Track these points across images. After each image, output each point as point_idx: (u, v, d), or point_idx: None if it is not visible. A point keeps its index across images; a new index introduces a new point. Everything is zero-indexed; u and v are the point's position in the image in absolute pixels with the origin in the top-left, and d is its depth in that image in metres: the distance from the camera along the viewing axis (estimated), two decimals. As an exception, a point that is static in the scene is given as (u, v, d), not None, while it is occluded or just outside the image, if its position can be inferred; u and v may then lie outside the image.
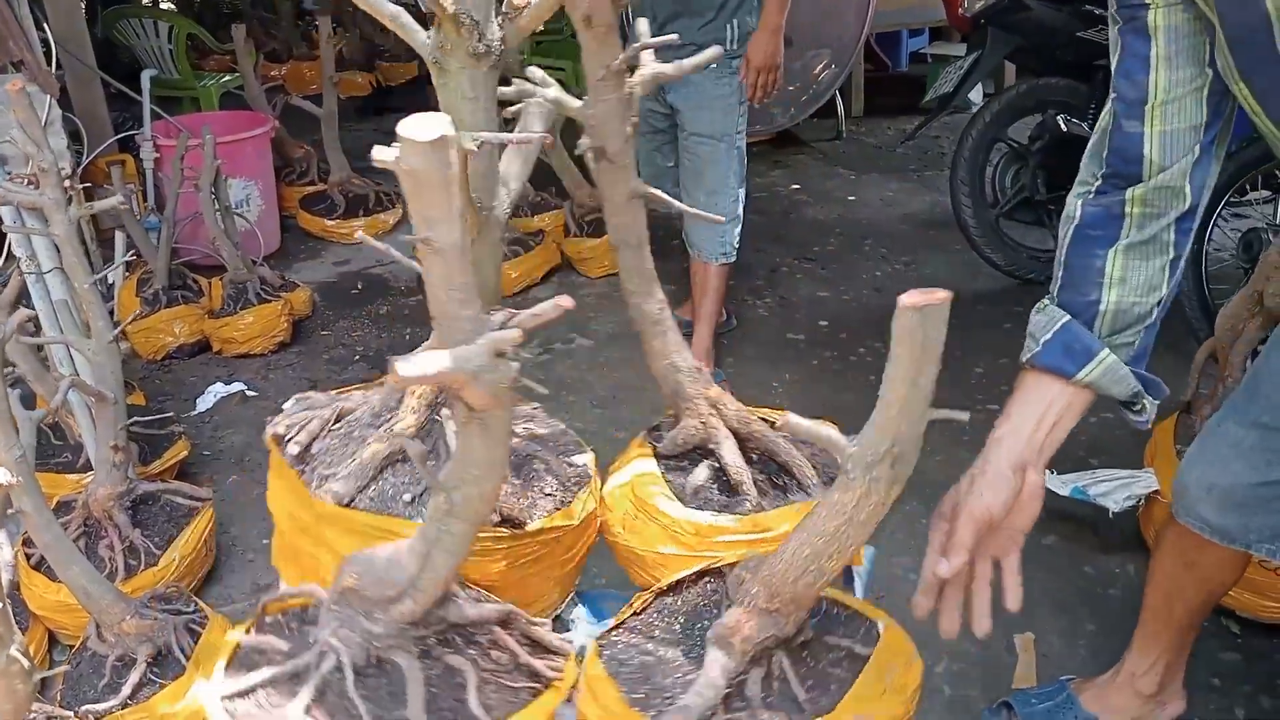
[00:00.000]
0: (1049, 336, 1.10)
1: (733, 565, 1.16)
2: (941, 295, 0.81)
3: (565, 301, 0.91)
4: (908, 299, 0.81)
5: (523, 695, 1.10)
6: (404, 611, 1.05)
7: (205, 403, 3.07)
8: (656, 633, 1.15)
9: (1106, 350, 1.08)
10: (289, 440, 1.41)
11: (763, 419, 1.53)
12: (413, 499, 1.29)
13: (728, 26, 2.82)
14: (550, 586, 1.39)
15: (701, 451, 1.49)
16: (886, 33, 6.12)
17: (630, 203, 1.31)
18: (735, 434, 1.48)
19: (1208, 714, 1.82)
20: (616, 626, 1.17)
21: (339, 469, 1.35)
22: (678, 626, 1.16)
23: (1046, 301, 1.14)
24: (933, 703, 1.90)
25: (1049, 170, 3.51)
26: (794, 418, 0.97)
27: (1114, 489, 2.13)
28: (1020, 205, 3.61)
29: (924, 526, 2.33)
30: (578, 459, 1.47)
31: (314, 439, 1.43)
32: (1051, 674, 1.92)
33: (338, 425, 1.46)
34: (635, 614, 1.19)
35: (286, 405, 1.52)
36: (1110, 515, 2.13)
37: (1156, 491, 2.10)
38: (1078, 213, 1.14)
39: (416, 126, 0.76)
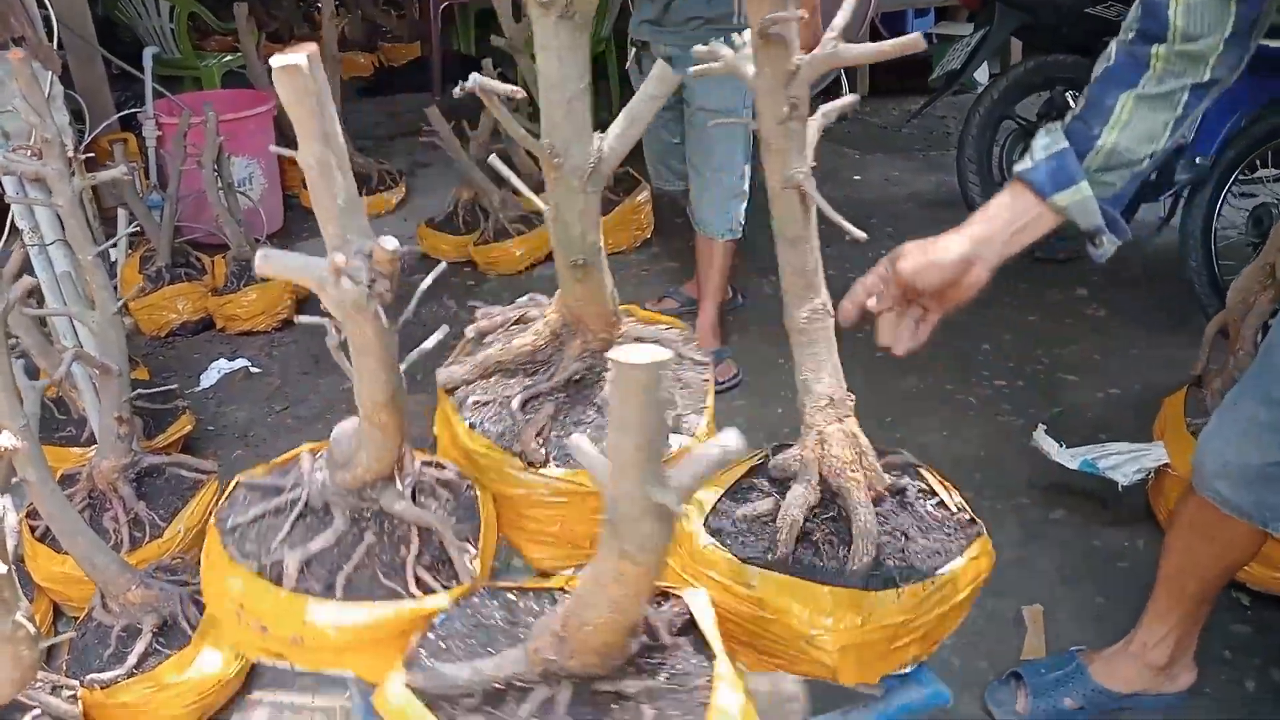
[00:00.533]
0: (1043, 157, 1.16)
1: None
2: (662, 356, 0.77)
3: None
4: (621, 355, 0.77)
5: (380, 590, 1.21)
6: (344, 479, 1.24)
7: (209, 379, 3.06)
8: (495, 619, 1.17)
9: (1086, 184, 1.14)
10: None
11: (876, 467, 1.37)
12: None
13: None
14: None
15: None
16: (892, 13, 6.07)
17: (785, 192, 1.22)
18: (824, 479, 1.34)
19: (1218, 685, 1.81)
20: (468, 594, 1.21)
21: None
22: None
23: (1058, 125, 1.18)
24: (941, 674, 1.87)
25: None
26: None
27: (1123, 462, 2.12)
28: (1027, 183, 3.59)
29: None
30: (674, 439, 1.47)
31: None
32: (1060, 646, 1.91)
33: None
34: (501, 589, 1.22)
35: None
36: (1119, 489, 2.12)
37: (1166, 465, 2.09)
38: (1112, 54, 1.18)
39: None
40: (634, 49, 3.06)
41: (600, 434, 1.42)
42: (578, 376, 1.50)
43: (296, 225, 4.29)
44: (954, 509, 1.34)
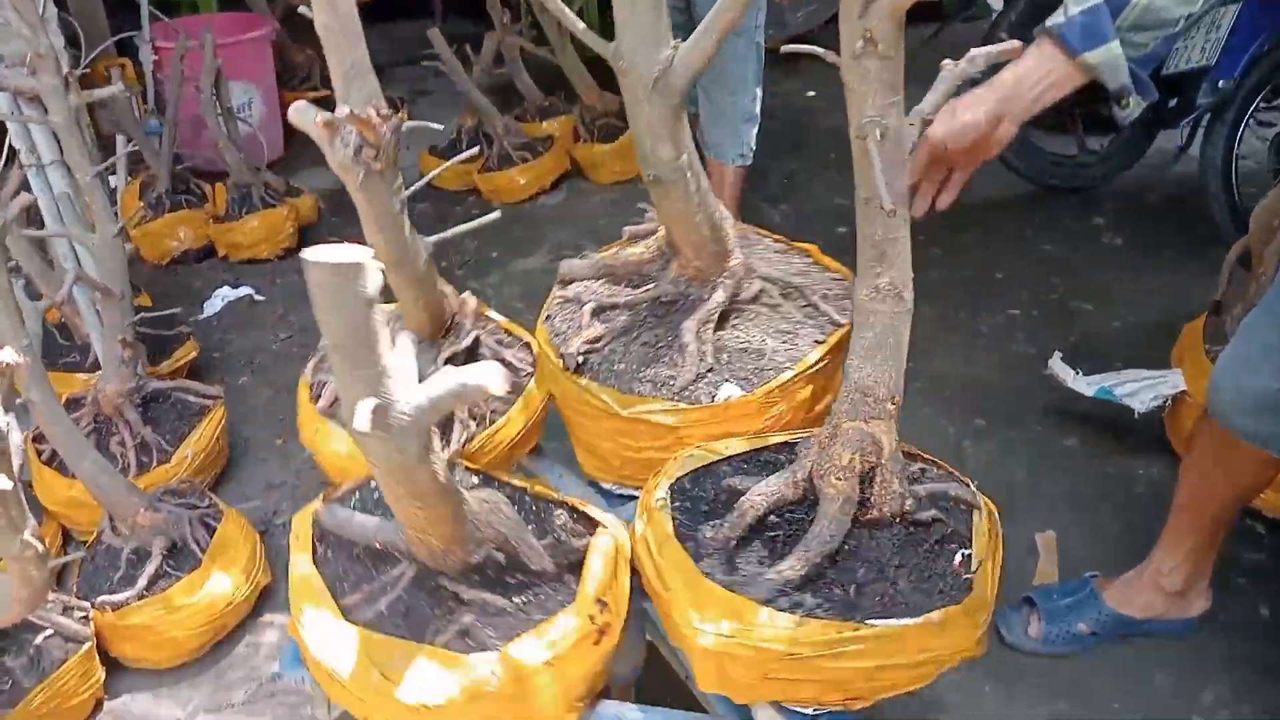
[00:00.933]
0: (1076, 12, 1.14)
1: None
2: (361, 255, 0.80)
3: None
4: (313, 254, 0.80)
5: None
6: None
7: (213, 306, 3.03)
8: None
9: (1117, 43, 1.13)
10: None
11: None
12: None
13: None
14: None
15: None
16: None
17: (855, 142, 1.10)
18: None
19: (1232, 612, 1.80)
20: None
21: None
22: None
23: None
24: (952, 600, 1.89)
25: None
26: None
27: (1140, 389, 2.09)
28: (1044, 111, 3.50)
29: (943, 427, 2.31)
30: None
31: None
32: (1072, 572, 1.90)
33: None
34: None
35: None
36: (1135, 416, 2.09)
37: (1183, 392, 2.06)
38: None
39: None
40: None
41: (661, 358, 1.40)
42: (669, 299, 1.47)
43: (298, 152, 4.21)
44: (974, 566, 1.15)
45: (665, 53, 1.24)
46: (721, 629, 1.08)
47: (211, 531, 1.86)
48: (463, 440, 1.44)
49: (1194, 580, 1.67)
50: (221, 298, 3.06)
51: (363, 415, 0.88)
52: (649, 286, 1.50)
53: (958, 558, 1.15)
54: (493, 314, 1.68)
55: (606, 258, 1.58)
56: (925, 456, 1.30)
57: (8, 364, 1.17)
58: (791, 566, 1.12)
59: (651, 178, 1.34)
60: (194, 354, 2.54)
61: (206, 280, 3.21)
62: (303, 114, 1.04)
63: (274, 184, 3.44)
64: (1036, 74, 1.17)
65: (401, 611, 1.15)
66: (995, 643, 1.80)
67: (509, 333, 1.66)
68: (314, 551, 1.23)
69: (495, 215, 1.42)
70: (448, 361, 1.50)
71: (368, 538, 1.21)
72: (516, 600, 1.16)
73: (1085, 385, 2.16)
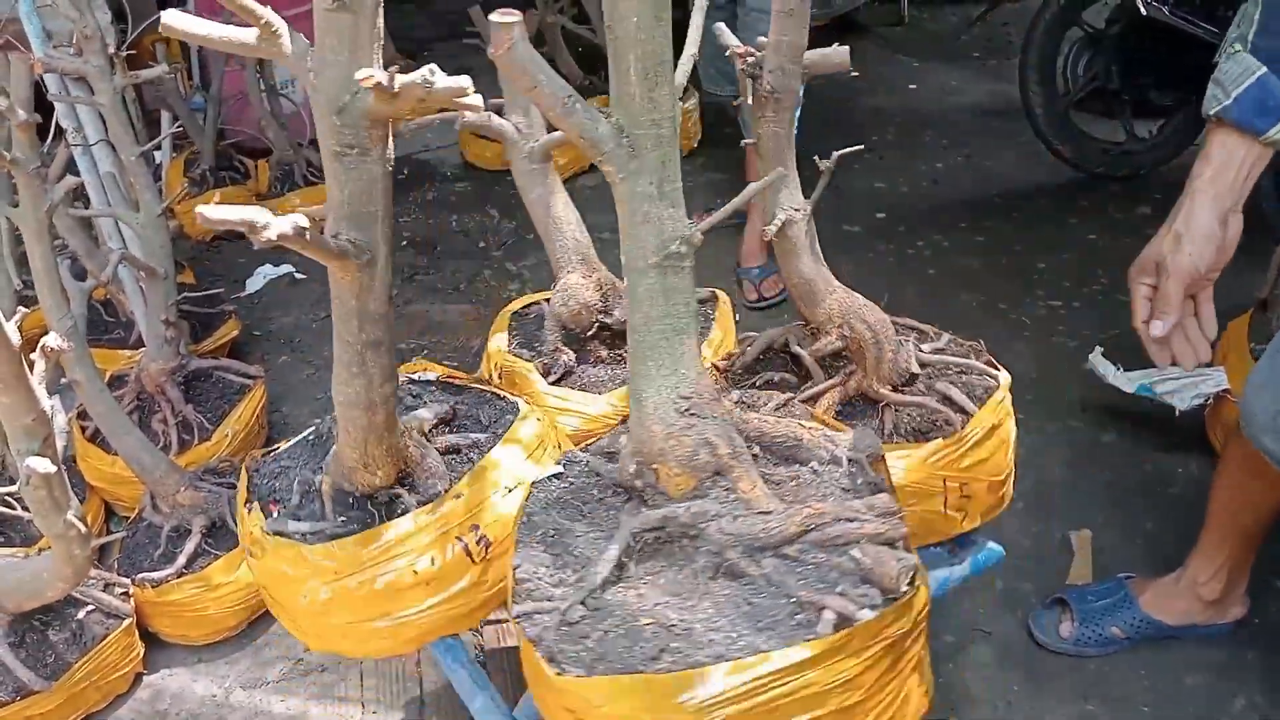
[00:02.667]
0: (1241, 90, 1.06)
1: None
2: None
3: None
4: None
5: None
6: None
7: (254, 284, 3.07)
8: None
9: None
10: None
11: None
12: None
13: None
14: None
15: None
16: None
17: None
18: None
19: (1267, 615, 1.78)
20: None
21: None
22: None
23: (1238, 47, 1.07)
24: (985, 596, 1.88)
25: (1126, 58, 3.31)
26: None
27: (1181, 387, 2.05)
28: (1092, 95, 3.42)
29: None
30: None
31: None
32: (1106, 571, 1.89)
33: None
34: None
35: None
36: (1176, 414, 2.06)
37: (1226, 390, 2.02)
38: None
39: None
40: None
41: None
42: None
43: (339, 129, 4.24)
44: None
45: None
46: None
47: (250, 511, 1.89)
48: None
49: (1231, 588, 1.65)
50: (263, 275, 3.10)
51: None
52: None
53: None
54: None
55: None
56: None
57: (53, 348, 1.20)
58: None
59: None
60: (235, 332, 2.57)
61: (249, 257, 3.24)
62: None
63: (315, 161, 3.47)
64: (1232, 166, 1.10)
65: None
66: (1025, 640, 1.79)
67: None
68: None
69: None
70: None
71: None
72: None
73: (1126, 381, 2.13)
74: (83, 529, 1.36)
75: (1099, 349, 2.22)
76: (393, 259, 1.07)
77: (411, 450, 1.19)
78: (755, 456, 1.06)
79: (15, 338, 1.11)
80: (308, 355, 2.73)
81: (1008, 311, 2.73)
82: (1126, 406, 2.23)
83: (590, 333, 1.65)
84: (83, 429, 2.10)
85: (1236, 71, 1.04)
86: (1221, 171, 1.09)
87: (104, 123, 2.07)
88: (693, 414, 1.00)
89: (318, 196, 3.27)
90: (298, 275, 3.13)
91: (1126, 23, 3.28)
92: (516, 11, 0.88)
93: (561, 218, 1.63)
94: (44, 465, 1.19)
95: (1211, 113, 1.08)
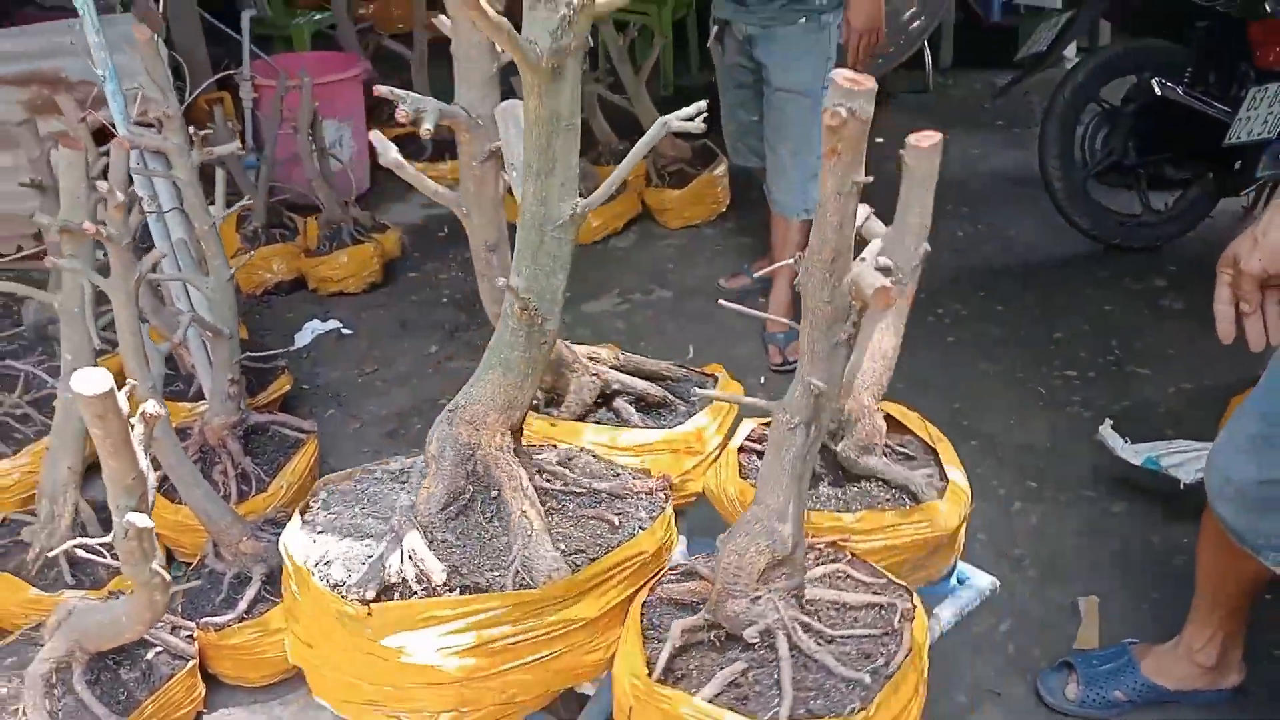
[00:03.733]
0: None
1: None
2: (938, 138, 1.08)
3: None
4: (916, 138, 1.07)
5: None
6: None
7: (303, 339, 3.22)
8: None
9: None
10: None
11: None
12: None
13: None
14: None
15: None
16: (980, -16, 5.98)
17: None
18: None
19: (1265, 683, 1.86)
20: None
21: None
22: None
23: None
24: (995, 658, 1.98)
25: (1141, 134, 3.44)
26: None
27: (1187, 460, 2.16)
28: (1110, 168, 3.54)
29: (995, 488, 2.39)
30: None
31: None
32: (1113, 637, 1.97)
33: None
34: None
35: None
36: (1181, 486, 2.16)
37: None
38: None
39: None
40: (715, 26, 3.10)
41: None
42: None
43: (383, 186, 4.42)
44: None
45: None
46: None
47: (304, 560, 2.02)
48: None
49: (1227, 654, 1.74)
50: (311, 330, 3.25)
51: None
52: None
53: None
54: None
55: None
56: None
57: (152, 415, 1.34)
58: None
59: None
60: (288, 387, 2.72)
61: (297, 312, 3.40)
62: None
63: (362, 220, 3.64)
64: None
65: None
66: (1034, 702, 1.88)
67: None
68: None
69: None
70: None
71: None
72: None
73: (1133, 454, 2.23)
74: (166, 577, 1.49)
75: (1109, 421, 2.33)
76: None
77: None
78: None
79: (125, 407, 1.25)
80: (354, 410, 2.88)
81: (1025, 381, 2.84)
82: (1136, 479, 2.33)
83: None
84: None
85: None
86: None
87: (177, 192, 2.24)
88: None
89: (364, 253, 3.46)
90: (344, 331, 3.28)
91: (1142, 101, 3.41)
92: None
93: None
94: (143, 520, 1.33)
95: None
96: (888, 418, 1.66)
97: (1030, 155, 4.15)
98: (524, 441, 1.52)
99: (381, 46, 4.70)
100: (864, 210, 1.20)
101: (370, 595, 1.28)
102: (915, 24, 4.81)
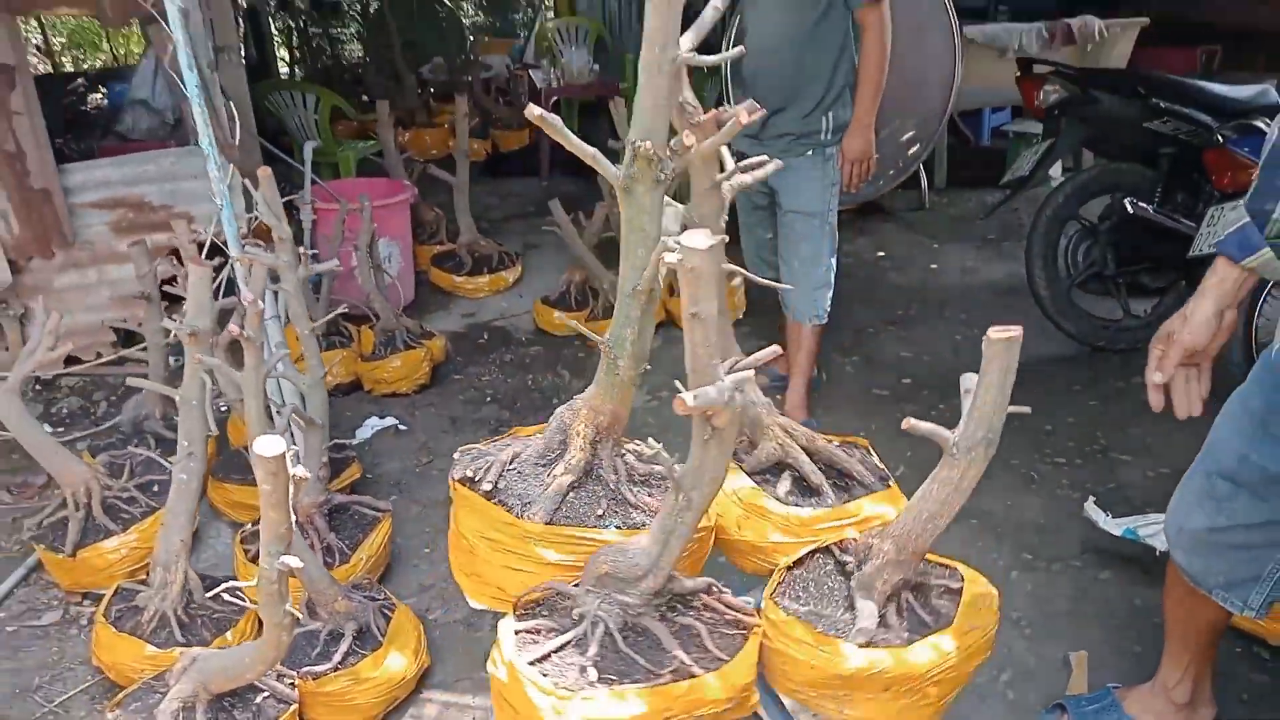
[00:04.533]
0: (1230, 231, 1.53)
1: (837, 543, 1.57)
2: (1017, 331, 1.26)
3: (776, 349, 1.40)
4: (994, 332, 1.26)
5: (736, 640, 1.47)
6: (648, 585, 1.43)
7: (364, 434, 3.54)
8: (800, 593, 1.54)
9: (1268, 249, 1.48)
10: (479, 481, 1.69)
11: (825, 438, 1.89)
12: (602, 513, 1.67)
13: (823, 118, 3.20)
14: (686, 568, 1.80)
15: (780, 466, 1.86)
16: (970, 109, 6.49)
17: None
18: (805, 450, 1.83)
19: (1236, 721, 2.12)
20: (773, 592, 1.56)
21: (533, 498, 1.73)
22: (811, 588, 1.55)
23: (1241, 203, 1.53)
24: (996, 705, 2.24)
25: (1117, 247, 3.83)
26: (914, 421, 1.38)
27: (1158, 532, 2.44)
28: (1091, 278, 3.92)
29: (994, 559, 2.66)
30: None
31: (499, 478, 1.73)
32: (1100, 686, 2.23)
33: (512, 466, 1.76)
34: (779, 583, 1.57)
35: (456, 455, 1.81)
36: (1157, 554, 2.45)
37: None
38: (1274, 133, 1.50)
39: (692, 238, 1.17)
40: (734, 157, 3.51)
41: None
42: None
43: (426, 298, 4.83)
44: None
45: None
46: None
47: (388, 620, 2.31)
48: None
49: (1198, 691, 2.00)
50: (370, 426, 3.58)
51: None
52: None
53: None
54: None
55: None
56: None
57: (301, 478, 1.66)
58: None
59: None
60: (357, 474, 3.03)
61: (355, 411, 3.73)
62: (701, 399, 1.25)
63: (411, 328, 4.01)
64: (1228, 280, 1.55)
65: None
66: (1033, 741, 2.14)
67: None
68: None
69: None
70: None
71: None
72: None
73: (1114, 526, 2.53)
74: (297, 616, 1.78)
75: (1092, 498, 2.63)
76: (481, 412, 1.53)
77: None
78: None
79: (289, 472, 1.57)
80: (414, 495, 3.18)
81: (1019, 467, 3.15)
82: (1120, 549, 2.62)
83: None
84: (245, 551, 2.54)
85: (1233, 219, 1.54)
86: (1220, 283, 1.55)
87: (276, 302, 2.61)
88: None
89: (415, 358, 3.81)
90: (400, 427, 3.61)
91: (1118, 218, 3.81)
92: None
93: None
94: (295, 561, 1.63)
95: (1214, 243, 1.55)
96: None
97: (1020, 267, 4.53)
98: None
99: (424, 171, 5.16)
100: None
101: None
102: (913, 149, 5.27)
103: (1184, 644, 1.97)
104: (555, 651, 1.43)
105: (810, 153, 3.24)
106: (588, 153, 1.53)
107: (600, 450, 1.73)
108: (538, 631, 1.49)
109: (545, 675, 1.37)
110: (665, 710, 1.35)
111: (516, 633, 1.47)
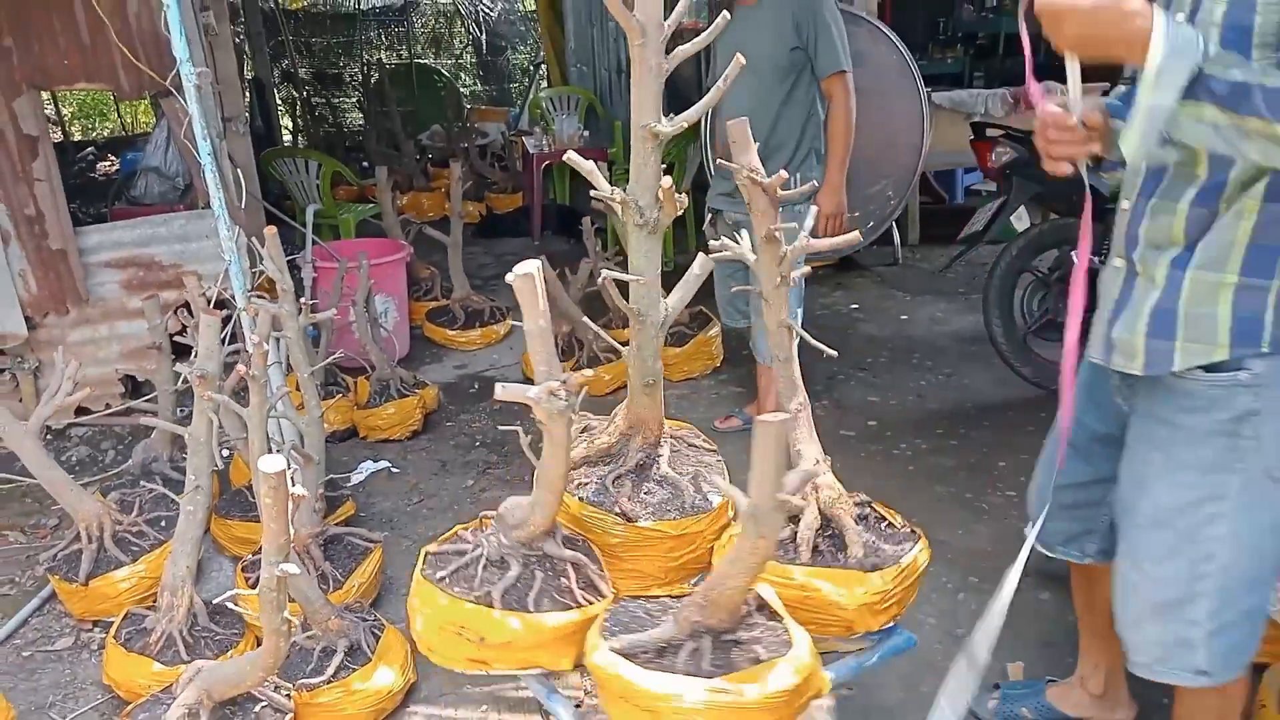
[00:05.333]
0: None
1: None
2: (785, 416, 1.46)
3: (587, 373, 1.76)
4: (765, 417, 1.44)
5: (557, 605, 1.84)
6: (520, 535, 1.88)
7: (358, 476, 3.75)
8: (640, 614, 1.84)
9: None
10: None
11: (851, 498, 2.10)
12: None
13: (792, 180, 3.45)
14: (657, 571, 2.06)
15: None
16: (943, 170, 6.79)
17: (779, 330, 2.01)
18: (821, 512, 2.03)
19: (1156, 723, 2.30)
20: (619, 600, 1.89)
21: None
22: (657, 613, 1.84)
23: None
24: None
25: (1068, 296, 4.05)
26: (727, 486, 1.61)
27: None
28: (1045, 325, 4.15)
29: (944, 582, 2.85)
30: (711, 498, 2.10)
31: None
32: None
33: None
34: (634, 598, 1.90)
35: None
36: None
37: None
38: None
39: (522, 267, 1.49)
40: (710, 214, 3.77)
41: (659, 495, 2.07)
42: (641, 461, 2.14)
43: (420, 351, 5.07)
44: (899, 526, 2.07)
45: (663, 306, 1.95)
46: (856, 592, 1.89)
47: (378, 639, 2.50)
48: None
49: (1112, 685, 2.19)
50: (364, 470, 3.79)
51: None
52: (622, 459, 2.15)
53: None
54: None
55: (582, 451, 2.18)
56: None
57: (299, 495, 1.88)
58: (856, 551, 1.94)
59: (650, 382, 2.05)
60: (351, 511, 3.24)
61: (350, 456, 3.95)
62: (514, 391, 1.72)
63: (405, 378, 4.24)
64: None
65: None
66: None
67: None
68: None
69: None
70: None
71: (657, 640, 1.74)
72: (757, 630, 1.77)
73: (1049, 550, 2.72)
74: (295, 623, 1.98)
75: (1030, 524, 2.82)
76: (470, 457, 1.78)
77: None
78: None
79: (289, 489, 1.79)
80: (404, 532, 3.38)
81: (972, 500, 3.36)
82: (1058, 573, 2.80)
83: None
84: (246, 579, 2.74)
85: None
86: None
87: (278, 348, 2.84)
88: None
89: (408, 405, 4.04)
90: (393, 470, 3.82)
91: (1066, 269, 4.05)
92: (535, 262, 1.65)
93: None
94: (292, 568, 1.84)
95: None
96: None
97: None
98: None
99: (421, 233, 5.44)
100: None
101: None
102: (891, 199, 5.48)
103: (1092, 634, 2.18)
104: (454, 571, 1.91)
105: (779, 210, 3.47)
106: (606, 191, 1.86)
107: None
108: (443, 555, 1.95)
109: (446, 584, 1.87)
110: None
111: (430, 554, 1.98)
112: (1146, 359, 1.66)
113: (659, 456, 2.14)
